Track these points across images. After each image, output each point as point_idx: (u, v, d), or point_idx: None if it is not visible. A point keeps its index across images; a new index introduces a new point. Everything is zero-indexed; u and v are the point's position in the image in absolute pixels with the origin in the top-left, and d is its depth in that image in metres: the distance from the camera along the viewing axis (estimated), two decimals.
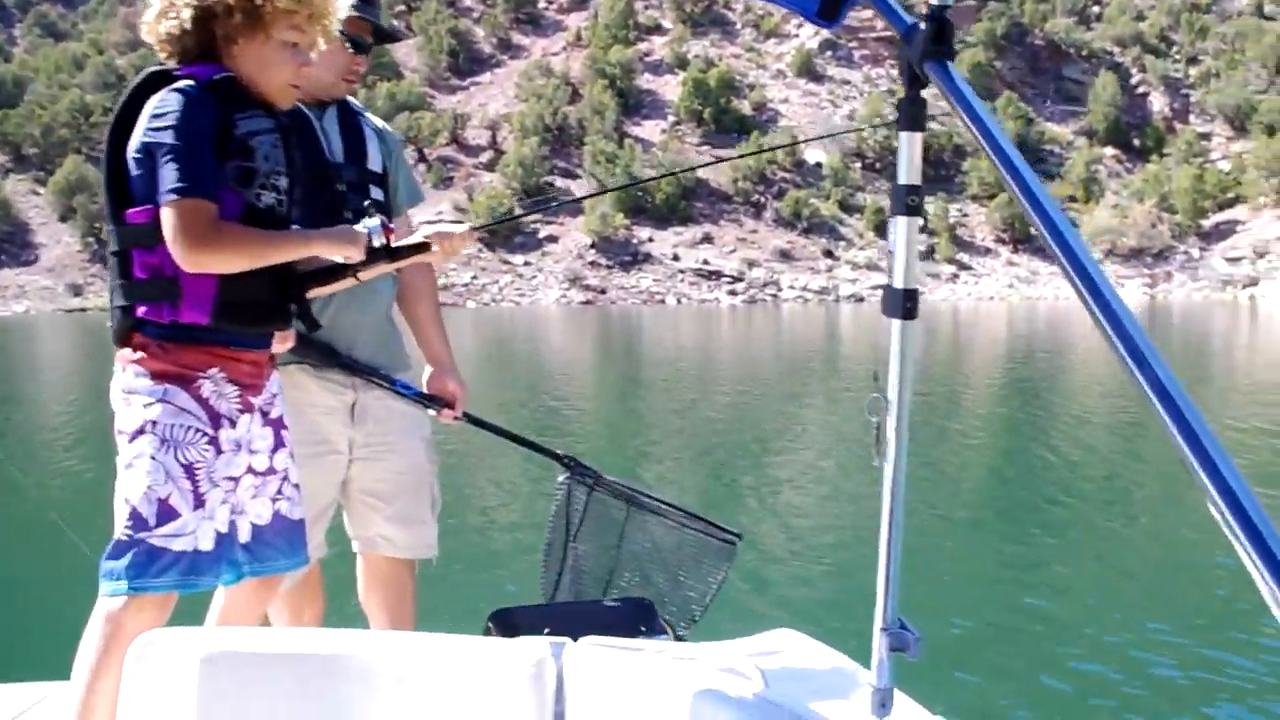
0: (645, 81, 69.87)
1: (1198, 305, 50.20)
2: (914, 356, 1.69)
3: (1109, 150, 67.57)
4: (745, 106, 66.76)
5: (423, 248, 2.52)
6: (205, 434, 2.24)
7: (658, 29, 73.65)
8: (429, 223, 2.77)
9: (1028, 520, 8.92)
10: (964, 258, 60.82)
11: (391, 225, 2.49)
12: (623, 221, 59.85)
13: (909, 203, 1.65)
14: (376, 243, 2.42)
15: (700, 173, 63.01)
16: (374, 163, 3.01)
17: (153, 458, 2.19)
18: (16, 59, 77.56)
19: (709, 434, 13.74)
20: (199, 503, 2.22)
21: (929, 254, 60.28)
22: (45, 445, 13.70)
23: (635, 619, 2.84)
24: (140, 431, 2.21)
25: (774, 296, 57.42)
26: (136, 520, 2.19)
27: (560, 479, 3.36)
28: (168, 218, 2.13)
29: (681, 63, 69.39)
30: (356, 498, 3.06)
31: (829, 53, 70.45)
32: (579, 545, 3.33)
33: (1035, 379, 19.08)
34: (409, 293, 3.13)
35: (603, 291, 57.23)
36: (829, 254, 60.62)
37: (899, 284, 1.65)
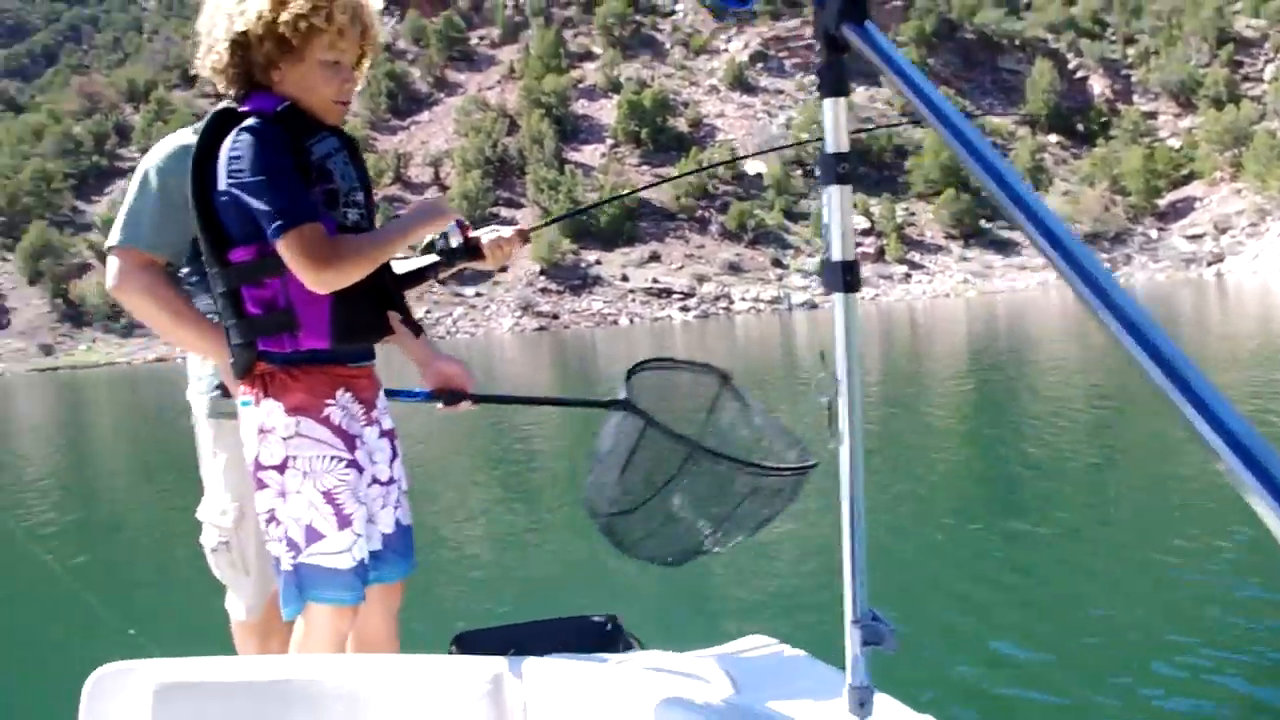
0: (581, 107, 69.66)
1: (1163, 286, 49.33)
2: (859, 331, 1.61)
3: (1053, 138, 67.35)
4: (681, 124, 66.47)
5: (476, 254, 2.57)
6: (342, 459, 2.33)
7: (589, 55, 73.56)
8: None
9: (1004, 507, 8.48)
10: (915, 256, 60.20)
11: (467, 223, 2.52)
12: (570, 246, 59.37)
13: (839, 171, 1.57)
14: (454, 242, 2.51)
15: (644, 192, 62.42)
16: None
17: (297, 491, 2.30)
18: None
19: None
20: (344, 523, 2.32)
21: (879, 255, 59.63)
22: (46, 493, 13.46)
23: (601, 636, 2.77)
24: (285, 466, 2.31)
25: (726, 310, 56.74)
26: (292, 545, 2.31)
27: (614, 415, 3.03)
28: (286, 250, 2.15)
29: (615, 86, 69.21)
30: None
31: (759, 64, 70.32)
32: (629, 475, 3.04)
33: (1001, 369, 18.69)
34: None
35: (555, 316, 56.64)
36: (778, 263, 59.99)
37: (837, 256, 1.58)
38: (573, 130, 67.58)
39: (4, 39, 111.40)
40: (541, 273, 58.73)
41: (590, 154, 66.17)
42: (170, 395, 32.64)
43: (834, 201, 1.57)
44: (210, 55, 2.35)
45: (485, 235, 2.62)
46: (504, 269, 56.94)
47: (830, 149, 1.56)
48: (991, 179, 1.10)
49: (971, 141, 1.15)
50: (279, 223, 2.17)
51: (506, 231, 2.66)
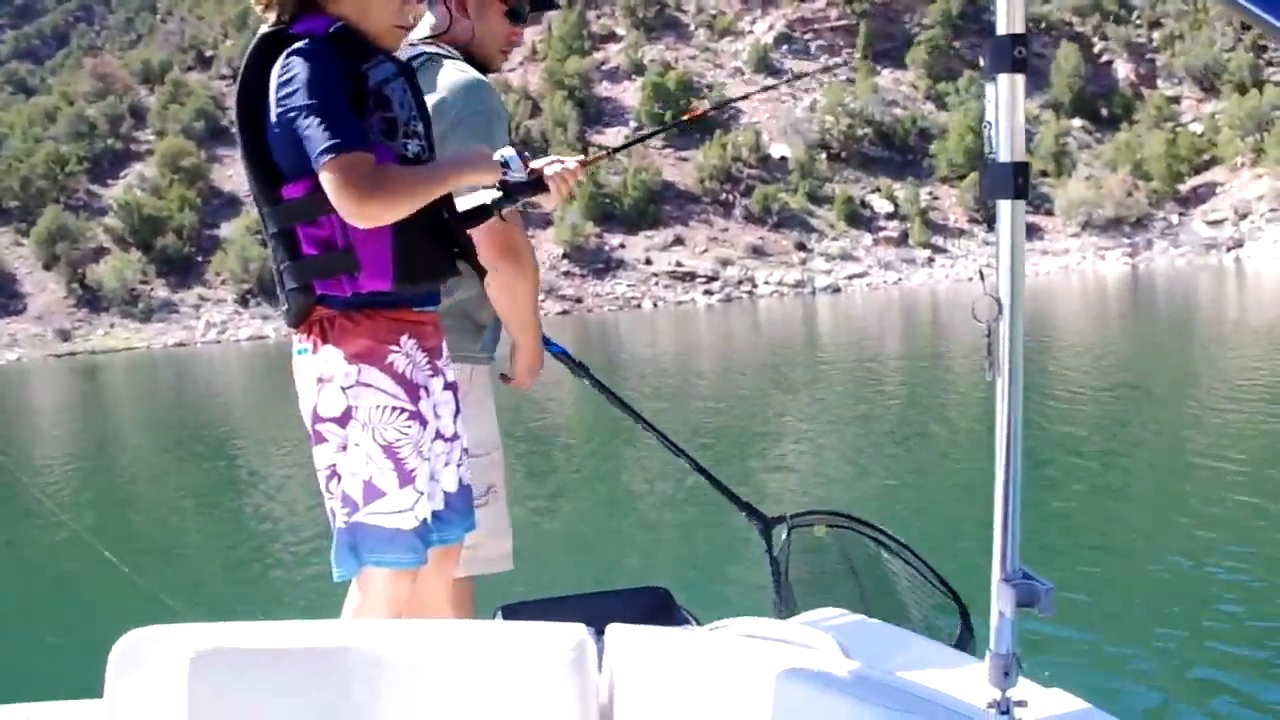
0: (604, 90, 69.53)
1: (1182, 271, 49.12)
2: (1023, 248, 1.45)
3: (1076, 121, 67.07)
4: (706, 106, 66.26)
5: (540, 187, 2.41)
6: (405, 410, 2.19)
7: (612, 37, 73.36)
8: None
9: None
10: (938, 241, 60.17)
11: (527, 155, 2.40)
12: (593, 229, 59.49)
13: (1015, 56, 1.37)
14: (519, 175, 2.35)
15: (667, 174, 62.54)
16: None
17: (356, 444, 2.17)
18: None
19: (702, 426, 13.18)
20: (406, 479, 2.19)
21: (903, 239, 59.65)
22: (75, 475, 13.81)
23: (653, 608, 2.66)
24: (346, 417, 2.18)
25: (750, 294, 56.88)
26: (348, 502, 2.19)
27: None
28: (328, 178, 2.02)
29: (638, 68, 69.10)
30: None
31: (784, 46, 70.07)
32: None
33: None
34: None
35: (579, 300, 56.77)
36: (801, 247, 60.06)
37: (1005, 156, 1.40)
38: (596, 113, 67.50)
39: (13, 20, 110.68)
40: (564, 256, 58.83)
41: (614, 136, 66.01)
42: (192, 379, 33.06)
43: (1005, 93, 1.40)
44: None
45: (547, 167, 2.44)
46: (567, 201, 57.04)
47: (1003, 29, 1.39)
48: None
49: None
50: (324, 147, 2.02)
51: (570, 161, 2.48)
